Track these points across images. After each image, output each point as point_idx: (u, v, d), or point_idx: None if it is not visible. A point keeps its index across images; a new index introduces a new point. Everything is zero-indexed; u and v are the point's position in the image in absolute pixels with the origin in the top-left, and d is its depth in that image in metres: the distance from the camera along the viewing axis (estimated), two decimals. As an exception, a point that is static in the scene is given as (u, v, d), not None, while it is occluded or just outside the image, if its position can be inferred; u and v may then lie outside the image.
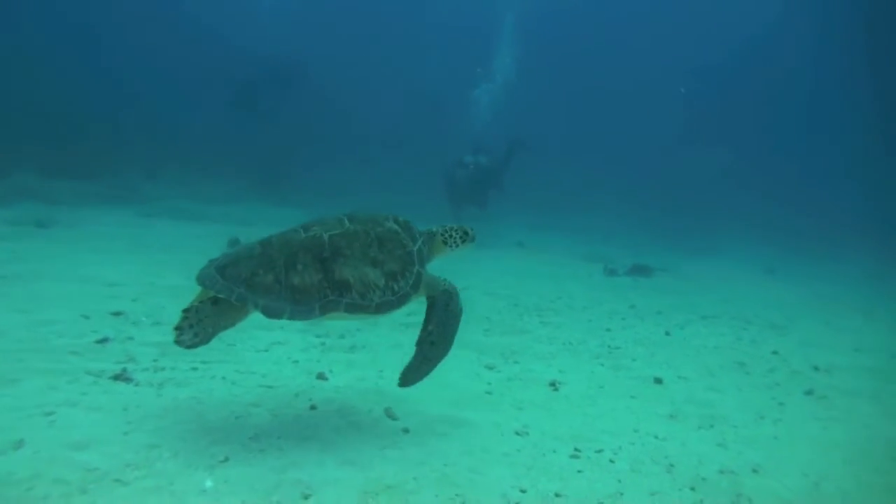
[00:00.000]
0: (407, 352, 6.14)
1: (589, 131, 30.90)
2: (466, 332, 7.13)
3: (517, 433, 4.58)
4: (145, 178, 16.21)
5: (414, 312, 4.73)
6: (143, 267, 8.50)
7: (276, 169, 18.63)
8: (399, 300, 3.77)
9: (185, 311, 3.50)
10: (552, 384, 5.73)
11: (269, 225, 13.80)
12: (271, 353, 5.73)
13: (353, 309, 3.63)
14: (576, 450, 4.37)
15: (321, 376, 5.26)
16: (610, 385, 5.87)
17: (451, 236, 4.18)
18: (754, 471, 4.35)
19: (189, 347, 3.45)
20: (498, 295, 9.29)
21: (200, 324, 3.46)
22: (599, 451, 4.40)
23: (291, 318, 3.49)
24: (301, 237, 3.69)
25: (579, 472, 4.07)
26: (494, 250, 13.30)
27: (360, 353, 6.10)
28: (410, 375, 3.93)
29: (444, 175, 15.76)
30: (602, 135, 30.67)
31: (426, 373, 3.95)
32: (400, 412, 4.69)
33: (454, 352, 6.42)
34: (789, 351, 7.44)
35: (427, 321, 3.96)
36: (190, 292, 7.21)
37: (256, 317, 3.67)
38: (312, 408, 4.57)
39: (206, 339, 3.48)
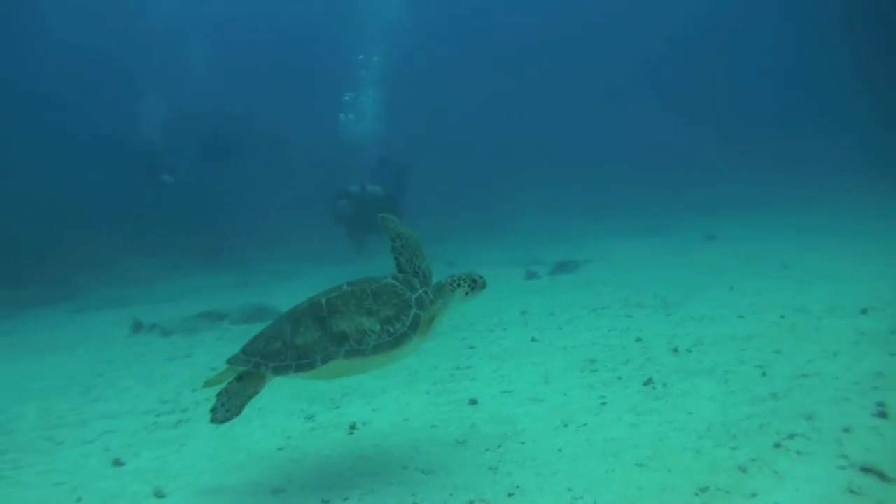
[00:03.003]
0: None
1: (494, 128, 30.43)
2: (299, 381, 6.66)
3: (273, 491, 4.23)
4: (76, 272, 15.93)
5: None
6: (28, 368, 8.34)
7: (205, 237, 18.32)
8: (396, 341, 3.95)
9: (218, 394, 3.98)
10: (352, 427, 5.25)
11: (194, 297, 13.44)
12: (95, 444, 5.47)
13: (351, 354, 3.88)
14: (323, 501, 4.01)
15: (117, 462, 4.96)
16: (417, 417, 5.35)
17: (459, 286, 4.29)
18: (510, 494, 3.83)
19: (223, 422, 3.90)
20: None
21: (230, 400, 3.93)
22: (346, 500, 3.99)
23: (296, 371, 3.86)
24: (304, 306, 4.08)
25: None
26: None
27: (181, 428, 5.73)
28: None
29: (330, 210, 15.27)
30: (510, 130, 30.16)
31: None
32: (171, 488, 4.39)
33: (273, 401, 6.05)
34: (658, 335, 6.83)
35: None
36: (62, 393, 6.81)
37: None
38: (78, 500, 4.33)
39: (237, 412, 3.93)
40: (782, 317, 6.90)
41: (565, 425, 4.79)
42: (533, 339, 7.28)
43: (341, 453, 4.78)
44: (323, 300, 4.04)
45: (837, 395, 4.73)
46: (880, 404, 4.42)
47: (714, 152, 25.24)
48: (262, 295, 12.24)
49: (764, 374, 5.36)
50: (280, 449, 4.99)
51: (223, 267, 16.77)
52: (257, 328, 4.81)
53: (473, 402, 5.50)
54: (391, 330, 3.95)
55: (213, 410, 3.91)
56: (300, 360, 3.87)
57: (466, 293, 4.30)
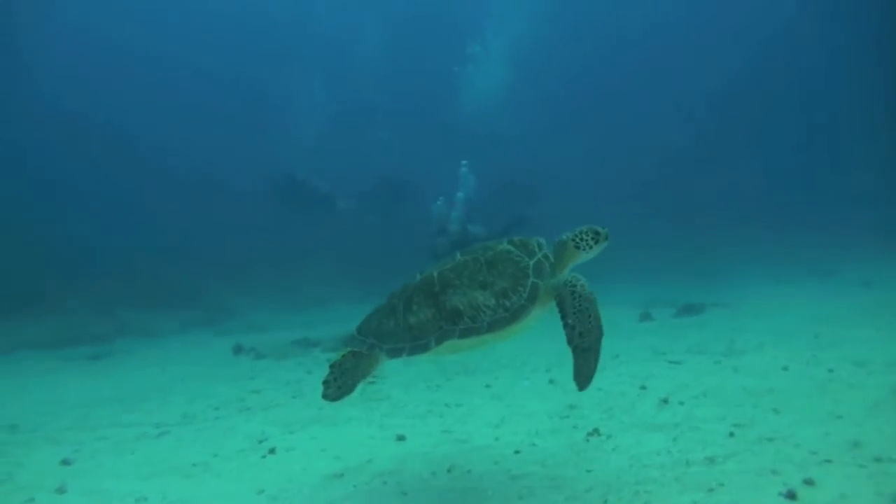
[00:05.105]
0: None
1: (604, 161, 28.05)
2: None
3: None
4: (237, 296, 17.11)
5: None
6: (118, 379, 9.01)
7: (362, 266, 18.73)
8: (513, 315, 3.66)
9: (331, 365, 3.86)
10: (271, 451, 5.21)
11: (329, 325, 13.70)
12: (82, 446, 5.67)
13: (466, 333, 3.66)
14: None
15: (66, 462, 5.20)
16: (335, 448, 5.20)
17: (582, 239, 3.87)
18: None
19: (334, 400, 3.76)
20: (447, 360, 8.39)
21: (343, 376, 3.78)
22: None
23: (410, 354, 3.69)
24: (416, 281, 3.87)
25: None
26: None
27: (158, 440, 5.89)
28: (580, 377, 3.52)
29: (427, 246, 14.37)
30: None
31: (594, 365, 3.52)
32: (76, 487, 4.55)
33: (242, 422, 6.09)
34: (672, 383, 6.06)
35: (564, 317, 3.63)
36: (115, 402, 7.32)
37: None
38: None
39: (349, 390, 3.78)
40: (830, 370, 5.85)
41: (449, 471, 4.40)
42: (551, 382, 6.71)
43: (239, 476, 4.72)
44: (435, 274, 3.80)
45: (771, 467, 3.96)
46: (808, 482, 3.67)
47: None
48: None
49: (731, 434, 4.59)
50: (194, 465, 5.01)
51: (371, 297, 17.08)
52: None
53: (401, 438, 5.21)
54: (507, 304, 3.65)
55: (325, 384, 3.78)
56: (414, 342, 3.69)
57: (590, 247, 3.85)
